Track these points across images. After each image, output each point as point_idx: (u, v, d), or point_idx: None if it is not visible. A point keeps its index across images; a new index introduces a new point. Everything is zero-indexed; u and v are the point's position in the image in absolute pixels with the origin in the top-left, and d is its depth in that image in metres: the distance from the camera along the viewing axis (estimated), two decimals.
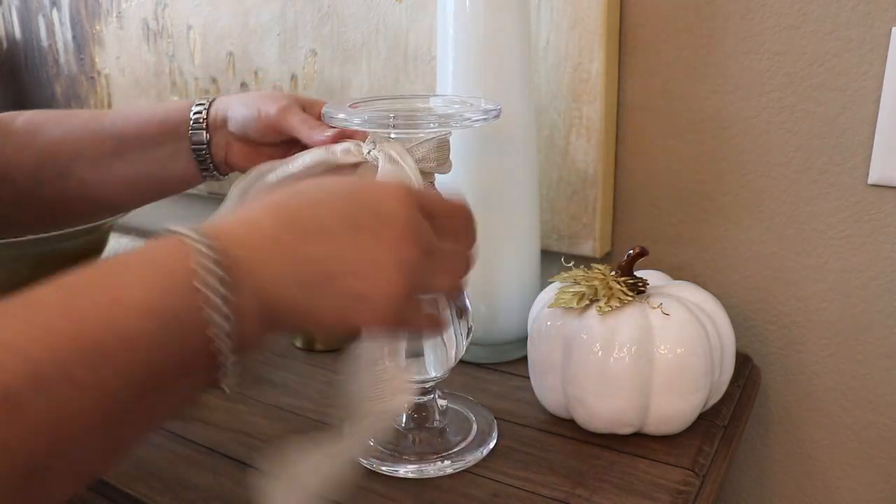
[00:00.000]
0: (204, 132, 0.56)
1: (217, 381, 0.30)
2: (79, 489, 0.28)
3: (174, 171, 0.57)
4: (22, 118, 0.58)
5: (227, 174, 0.59)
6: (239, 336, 0.30)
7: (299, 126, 0.52)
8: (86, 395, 0.26)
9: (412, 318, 0.35)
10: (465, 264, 0.38)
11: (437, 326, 0.38)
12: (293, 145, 0.54)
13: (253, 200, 0.35)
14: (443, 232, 0.36)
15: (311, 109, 0.55)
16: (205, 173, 0.58)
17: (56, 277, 0.28)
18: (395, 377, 0.41)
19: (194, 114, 0.56)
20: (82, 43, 1.07)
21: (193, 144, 0.56)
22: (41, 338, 0.25)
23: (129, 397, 0.27)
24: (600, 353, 0.50)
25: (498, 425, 0.55)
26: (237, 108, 0.55)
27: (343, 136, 0.49)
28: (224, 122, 0.56)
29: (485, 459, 0.51)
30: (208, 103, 0.56)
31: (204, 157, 0.56)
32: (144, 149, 0.56)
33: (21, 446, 0.24)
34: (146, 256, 0.29)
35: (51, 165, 0.56)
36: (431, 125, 0.45)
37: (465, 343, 0.52)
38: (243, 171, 0.55)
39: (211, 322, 0.29)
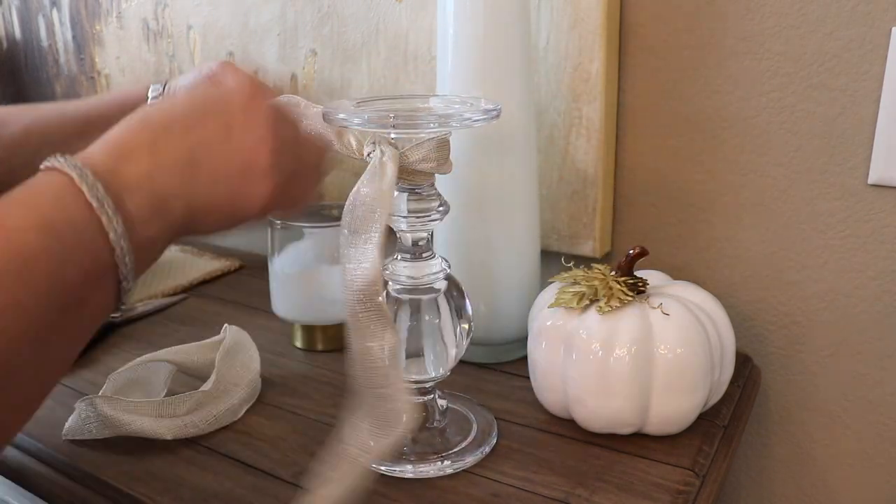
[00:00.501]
0: None
1: (122, 287, 0.33)
2: (21, 420, 0.30)
3: None
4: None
5: None
6: (135, 235, 0.33)
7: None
8: (2, 315, 0.27)
9: (294, 191, 0.41)
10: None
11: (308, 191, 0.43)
12: None
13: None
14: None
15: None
16: None
17: None
18: (398, 398, 0.43)
19: (151, 92, 0.57)
20: (82, 43, 1.07)
21: None
22: None
23: (48, 312, 0.29)
24: (600, 353, 0.50)
25: (498, 425, 0.55)
26: (185, 78, 0.57)
27: None
28: None
29: (485, 459, 0.51)
30: (162, 86, 0.57)
31: None
32: (104, 130, 0.57)
33: None
34: (28, 186, 0.32)
35: (20, 154, 0.56)
36: (431, 125, 0.45)
37: (465, 343, 0.52)
38: None
39: (106, 226, 0.32)
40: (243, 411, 0.58)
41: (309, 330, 0.69)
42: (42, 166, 0.33)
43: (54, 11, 1.09)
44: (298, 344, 0.70)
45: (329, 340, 0.69)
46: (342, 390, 0.62)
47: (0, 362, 0.27)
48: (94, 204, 0.32)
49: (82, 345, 0.33)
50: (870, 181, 0.59)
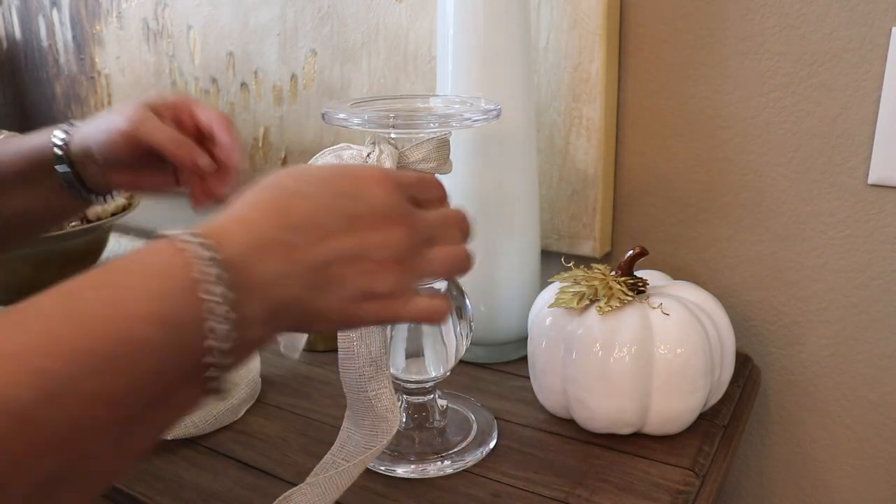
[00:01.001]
0: (67, 168, 0.50)
1: (216, 385, 0.30)
2: (92, 499, 0.28)
3: (59, 203, 0.52)
4: None
5: (113, 196, 0.54)
6: (240, 341, 0.29)
7: (165, 143, 0.48)
8: (95, 404, 0.25)
9: (414, 305, 0.35)
10: (462, 230, 0.39)
11: (438, 313, 0.37)
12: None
13: (243, 198, 0.34)
14: (428, 206, 0.37)
15: (165, 111, 0.50)
16: (90, 200, 0.53)
17: (56, 285, 0.27)
18: (383, 399, 0.43)
19: (55, 147, 0.50)
20: (82, 43, 1.07)
21: (64, 181, 0.51)
22: (46, 347, 0.25)
23: (137, 405, 0.27)
24: (600, 353, 0.50)
25: (498, 425, 0.55)
26: (94, 134, 0.49)
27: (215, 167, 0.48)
28: (89, 153, 0.50)
29: (485, 459, 0.51)
30: (66, 135, 0.51)
31: (78, 190, 0.51)
32: (21, 186, 0.51)
33: (35, 460, 0.24)
34: (146, 262, 0.29)
35: None
36: (431, 125, 0.45)
37: (465, 343, 0.52)
38: (130, 191, 0.53)
39: (213, 330, 0.28)
40: (243, 411, 0.58)
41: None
42: (168, 234, 0.30)
43: (54, 11, 1.09)
44: None
45: (329, 340, 0.69)
46: (342, 390, 0.62)
47: (79, 449, 0.25)
48: (213, 304, 0.28)
49: (160, 437, 0.30)
50: (870, 181, 0.59)
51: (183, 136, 0.49)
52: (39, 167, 0.51)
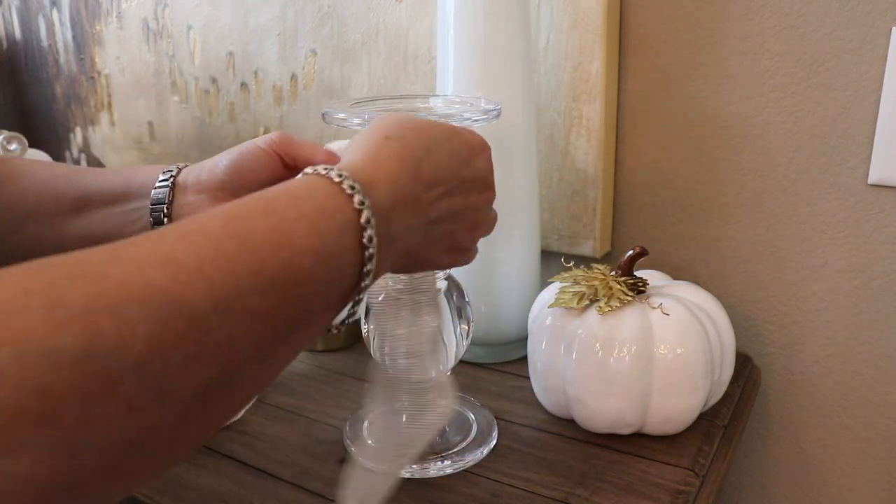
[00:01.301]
0: (168, 190, 0.49)
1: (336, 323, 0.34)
2: (227, 420, 0.29)
3: (131, 234, 0.49)
4: (9, 165, 0.52)
5: None
6: (375, 271, 0.33)
7: (313, 151, 0.48)
8: (255, 323, 0.27)
9: (475, 256, 0.44)
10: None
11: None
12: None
13: (370, 133, 0.37)
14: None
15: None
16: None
17: (214, 209, 0.29)
18: (442, 385, 0.45)
19: (164, 172, 0.50)
20: (82, 43, 1.07)
21: (153, 203, 0.49)
22: (217, 262, 0.26)
23: (287, 327, 0.29)
24: (600, 353, 0.50)
25: (498, 425, 0.55)
26: (217, 161, 0.49)
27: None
28: (197, 181, 0.49)
29: (485, 459, 0.51)
30: (177, 170, 0.50)
31: (160, 219, 0.49)
32: (103, 207, 0.51)
33: (201, 366, 0.25)
34: (307, 197, 0.31)
35: (8, 220, 0.51)
36: None
37: (465, 343, 0.52)
38: None
39: (364, 271, 0.32)
40: (243, 411, 0.58)
41: None
42: (324, 172, 0.33)
43: (54, 11, 1.09)
44: None
45: (329, 340, 0.69)
46: (342, 390, 0.62)
47: (235, 361, 0.27)
48: (367, 247, 0.32)
49: (289, 363, 0.32)
50: (870, 181, 0.59)
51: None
52: (135, 190, 0.50)
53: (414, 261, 0.39)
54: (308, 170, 0.33)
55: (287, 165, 0.48)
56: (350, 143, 0.38)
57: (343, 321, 0.35)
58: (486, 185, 0.41)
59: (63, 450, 0.21)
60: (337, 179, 0.32)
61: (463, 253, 0.42)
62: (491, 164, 0.42)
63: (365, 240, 0.32)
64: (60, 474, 0.21)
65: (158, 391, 0.23)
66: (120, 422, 0.23)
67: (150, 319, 0.23)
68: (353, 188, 0.32)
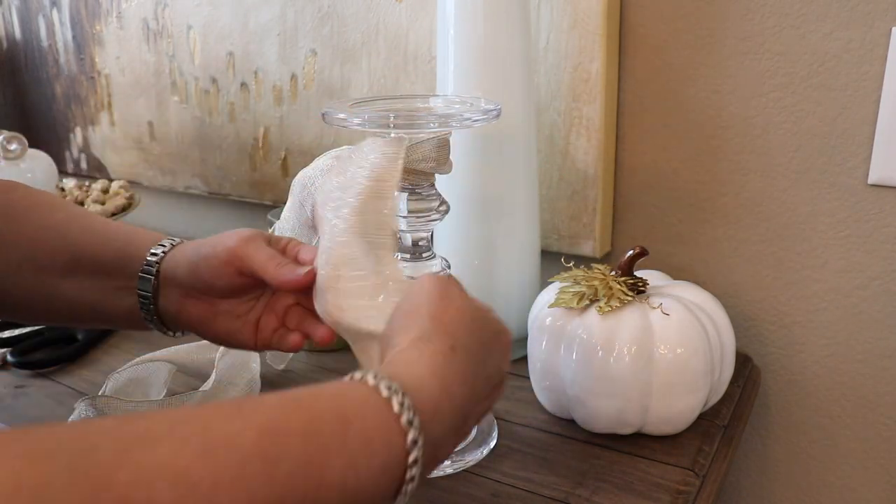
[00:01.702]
0: (152, 279, 0.48)
1: None
2: None
3: (118, 309, 0.49)
4: (17, 194, 0.51)
5: (177, 333, 0.51)
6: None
7: (265, 261, 0.45)
8: None
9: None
10: None
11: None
12: (252, 293, 0.48)
13: (436, 335, 0.35)
14: None
15: (277, 244, 0.47)
16: (150, 324, 0.49)
17: (256, 406, 0.27)
18: None
19: (150, 254, 0.48)
20: (82, 43, 1.07)
21: (139, 290, 0.48)
22: (236, 485, 0.25)
23: None
24: (600, 353, 0.50)
25: (498, 425, 0.55)
26: (191, 252, 0.47)
27: (311, 276, 0.44)
28: (174, 271, 0.47)
29: (485, 459, 0.51)
30: (170, 246, 0.49)
31: (148, 307, 0.48)
32: (93, 276, 0.49)
33: None
34: (360, 421, 0.29)
35: (3, 263, 0.49)
36: (431, 125, 0.45)
37: None
38: (198, 332, 0.49)
39: (406, 492, 0.30)
40: None
41: None
42: (390, 397, 0.30)
43: (54, 11, 1.09)
44: None
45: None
46: None
47: None
48: (406, 483, 0.30)
49: None
50: (870, 181, 0.59)
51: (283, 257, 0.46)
52: (124, 266, 0.48)
53: (443, 451, 0.35)
54: (370, 378, 0.31)
55: (244, 274, 0.45)
56: (406, 323, 0.36)
57: None
58: (504, 382, 0.40)
59: None
60: (396, 409, 0.30)
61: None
62: (510, 361, 0.41)
63: (407, 477, 0.30)
64: None
65: None
66: None
67: None
68: (410, 423, 0.30)
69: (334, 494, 0.27)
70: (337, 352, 0.69)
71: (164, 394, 0.58)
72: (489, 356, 0.37)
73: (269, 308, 0.48)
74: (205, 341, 0.52)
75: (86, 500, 0.22)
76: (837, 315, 0.63)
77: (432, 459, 0.32)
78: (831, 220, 0.61)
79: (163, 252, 0.48)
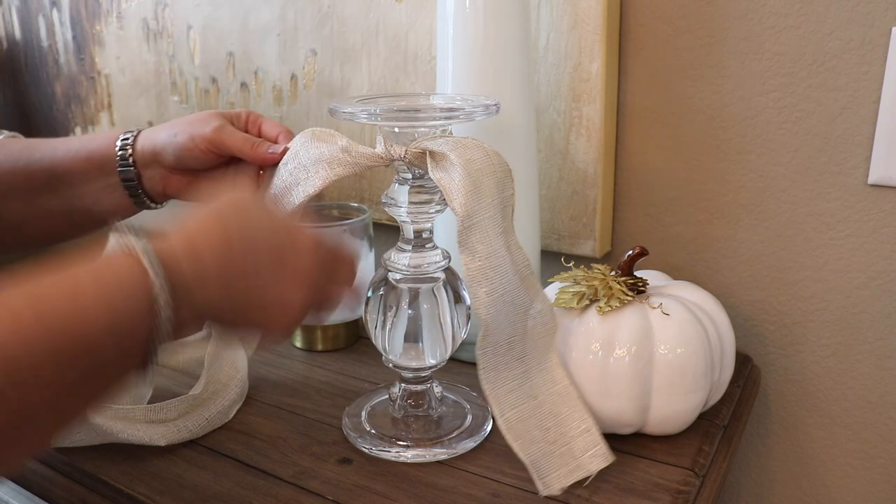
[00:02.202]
0: (132, 169, 0.55)
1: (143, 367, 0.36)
2: (29, 456, 0.35)
3: (108, 205, 0.56)
4: None
5: (165, 203, 0.58)
6: (170, 338, 0.36)
7: (241, 145, 0.53)
8: (48, 389, 0.31)
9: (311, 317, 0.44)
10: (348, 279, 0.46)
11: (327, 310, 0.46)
12: (230, 165, 0.55)
13: (200, 220, 0.39)
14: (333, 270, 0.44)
15: (238, 122, 0.55)
16: (139, 206, 0.57)
17: (24, 279, 0.32)
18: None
19: (119, 150, 0.55)
20: (82, 43, 1.07)
21: (124, 181, 0.55)
22: (15, 335, 0.30)
23: (79, 386, 0.32)
24: (600, 353, 0.50)
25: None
26: (167, 140, 0.54)
27: (284, 152, 0.52)
28: (154, 157, 0.55)
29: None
30: (132, 137, 0.55)
31: (137, 191, 0.56)
32: (75, 184, 0.55)
33: None
34: (111, 272, 0.34)
35: None
36: (435, 119, 0.47)
37: (462, 333, 0.52)
38: (182, 199, 0.56)
39: (157, 336, 0.35)
40: (234, 412, 0.57)
41: (309, 330, 0.69)
42: (130, 246, 0.36)
43: (54, 11, 1.09)
44: (298, 344, 0.70)
45: (329, 340, 0.69)
46: (342, 390, 0.62)
47: (23, 425, 0.30)
48: (160, 321, 0.35)
49: (90, 406, 0.35)
50: (870, 181, 0.59)
51: (255, 137, 0.54)
52: (97, 166, 0.55)
53: (222, 324, 0.40)
54: (124, 237, 0.36)
55: (223, 156, 0.54)
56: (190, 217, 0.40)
57: None
58: (302, 286, 0.41)
59: None
60: (142, 257, 0.35)
61: (275, 330, 0.42)
62: (314, 267, 0.42)
63: (162, 314, 0.35)
64: None
65: None
66: None
67: None
68: (155, 268, 0.35)
69: (104, 333, 0.32)
70: (337, 352, 0.69)
71: (149, 392, 0.57)
72: (258, 244, 0.40)
73: (242, 168, 0.55)
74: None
75: None
76: (837, 315, 0.63)
77: (190, 310, 0.36)
78: (831, 220, 0.61)
79: (129, 142, 0.55)
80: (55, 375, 0.31)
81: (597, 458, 0.47)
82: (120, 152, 0.54)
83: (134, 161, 0.55)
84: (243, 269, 0.39)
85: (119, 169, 0.55)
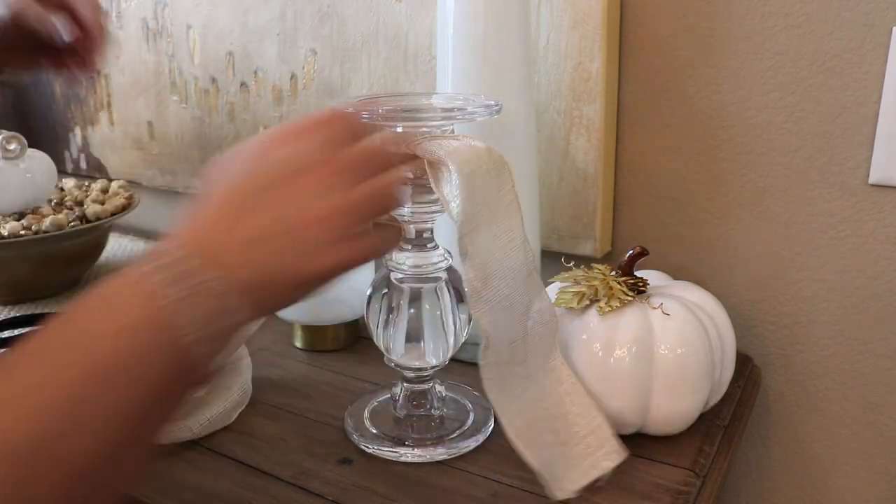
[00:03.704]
0: None
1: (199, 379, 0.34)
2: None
3: None
4: None
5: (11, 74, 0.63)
6: (220, 341, 0.33)
7: (31, 19, 0.57)
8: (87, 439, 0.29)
9: (360, 245, 0.37)
10: (383, 164, 0.39)
11: (389, 243, 0.42)
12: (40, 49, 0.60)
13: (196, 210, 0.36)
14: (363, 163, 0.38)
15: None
16: None
17: (36, 337, 0.30)
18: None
19: None
20: None
21: None
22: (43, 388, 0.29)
23: (128, 429, 0.31)
24: (600, 353, 0.50)
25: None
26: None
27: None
28: None
29: (485, 459, 0.51)
30: None
31: None
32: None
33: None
34: (119, 315, 0.31)
35: None
36: (436, 119, 0.47)
37: (464, 333, 0.52)
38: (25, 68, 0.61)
39: (194, 355, 0.32)
40: (236, 414, 0.57)
41: (309, 330, 0.69)
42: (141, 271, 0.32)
43: None
44: (298, 344, 0.70)
45: (329, 340, 0.69)
46: (342, 390, 0.62)
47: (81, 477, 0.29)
48: (183, 332, 0.32)
49: (160, 433, 0.34)
50: (870, 181, 0.59)
51: (44, 11, 0.57)
52: None
53: (268, 283, 0.35)
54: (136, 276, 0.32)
55: (31, 32, 0.58)
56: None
57: None
58: (302, 172, 0.36)
59: None
60: (161, 295, 0.31)
61: (333, 248, 0.35)
62: (312, 142, 0.37)
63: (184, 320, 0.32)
64: None
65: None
66: None
67: None
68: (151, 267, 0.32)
69: (122, 385, 0.30)
70: (337, 352, 0.69)
71: None
72: (250, 163, 0.37)
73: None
74: None
75: None
76: (837, 315, 0.63)
77: (231, 298, 0.33)
78: (831, 220, 0.61)
79: None
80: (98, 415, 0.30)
81: (610, 454, 0.46)
82: None
83: None
84: (252, 204, 0.35)
85: None
